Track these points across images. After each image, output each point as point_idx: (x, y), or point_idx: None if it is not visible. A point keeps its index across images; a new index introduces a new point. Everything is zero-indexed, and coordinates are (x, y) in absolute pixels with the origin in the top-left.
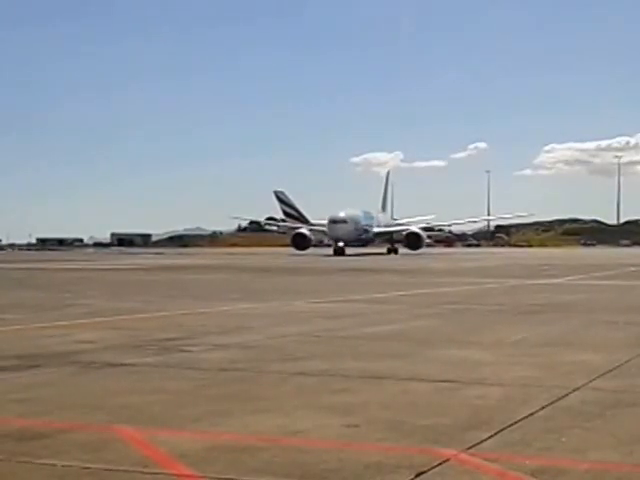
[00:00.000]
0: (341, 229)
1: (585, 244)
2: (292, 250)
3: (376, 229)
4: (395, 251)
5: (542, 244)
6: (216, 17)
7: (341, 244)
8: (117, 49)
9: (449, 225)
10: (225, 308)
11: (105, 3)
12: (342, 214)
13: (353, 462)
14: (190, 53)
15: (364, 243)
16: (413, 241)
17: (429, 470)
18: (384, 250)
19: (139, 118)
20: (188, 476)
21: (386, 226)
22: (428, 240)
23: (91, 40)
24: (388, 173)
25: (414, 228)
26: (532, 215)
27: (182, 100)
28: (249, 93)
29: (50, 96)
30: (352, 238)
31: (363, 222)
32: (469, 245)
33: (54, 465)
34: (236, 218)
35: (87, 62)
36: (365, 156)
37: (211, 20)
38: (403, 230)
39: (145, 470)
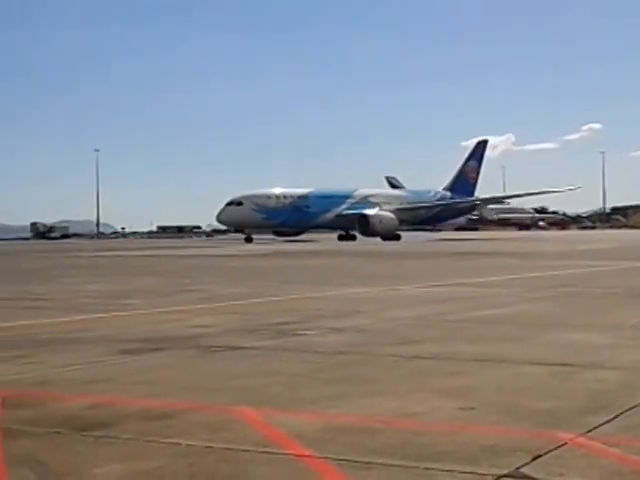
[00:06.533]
0: (227, 213)
1: None
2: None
3: (345, 212)
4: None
5: None
6: (321, 13)
7: (247, 231)
8: (208, 44)
9: (519, 196)
10: (336, 292)
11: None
12: (256, 192)
13: (468, 444)
14: (298, 46)
15: (307, 228)
16: (364, 226)
17: (546, 454)
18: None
19: (259, 111)
20: (307, 456)
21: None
22: (541, 223)
23: (187, 36)
24: (483, 143)
25: (367, 210)
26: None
27: (290, 91)
28: (360, 81)
29: (166, 90)
30: (252, 223)
31: (304, 204)
32: (584, 227)
33: (179, 444)
34: None
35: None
36: (476, 140)
37: (321, 15)
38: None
39: (265, 450)
